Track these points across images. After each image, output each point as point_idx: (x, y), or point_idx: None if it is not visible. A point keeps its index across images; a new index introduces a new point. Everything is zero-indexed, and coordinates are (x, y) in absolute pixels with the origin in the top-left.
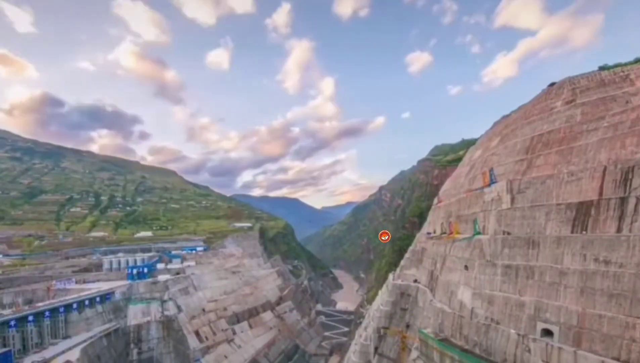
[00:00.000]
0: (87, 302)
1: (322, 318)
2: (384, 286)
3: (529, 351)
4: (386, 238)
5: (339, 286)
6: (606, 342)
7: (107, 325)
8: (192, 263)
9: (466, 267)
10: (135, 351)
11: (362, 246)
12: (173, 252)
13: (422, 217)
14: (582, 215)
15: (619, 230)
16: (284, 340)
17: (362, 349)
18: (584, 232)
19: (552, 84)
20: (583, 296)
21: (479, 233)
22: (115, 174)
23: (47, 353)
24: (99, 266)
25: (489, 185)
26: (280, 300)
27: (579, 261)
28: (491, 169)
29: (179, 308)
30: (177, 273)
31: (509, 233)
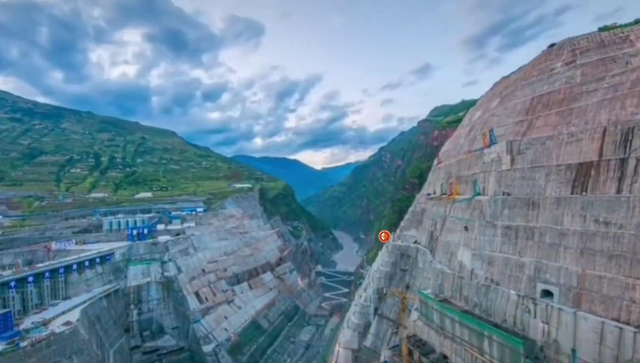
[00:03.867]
0: (87, 263)
1: (322, 279)
2: (384, 247)
3: (529, 312)
4: (385, 237)
5: (338, 247)
6: (606, 302)
7: (107, 286)
8: (192, 224)
9: (466, 228)
10: (135, 312)
11: (362, 207)
12: (173, 213)
13: (422, 178)
14: (582, 176)
15: (618, 191)
16: (284, 300)
17: (362, 310)
18: (583, 193)
19: (552, 45)
20: (583, 257)
21: (479, 194)
22: (115, 135)
23: (47, 314)
24: (98, 227)
25: (489, 146)
26: (280, 261)
27: (579, 222)
28: (491, 130)
29: (178, 269)
30: (177, 234)
31: (508, 194)
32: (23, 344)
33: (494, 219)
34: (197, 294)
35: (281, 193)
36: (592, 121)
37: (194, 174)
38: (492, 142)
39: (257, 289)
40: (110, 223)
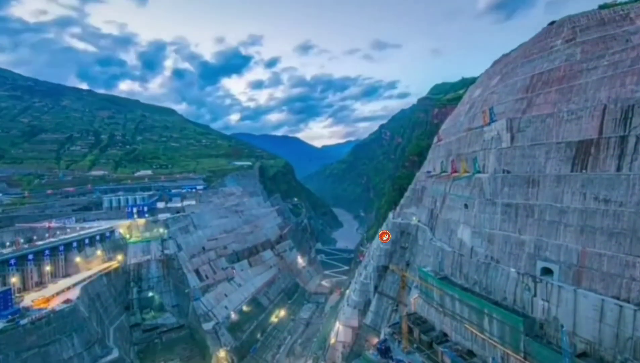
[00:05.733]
0: (87, 241)
1: (322, 256)
2: (384, 224)
3: (529, 290)
4: (386, 238)
5: (339, 224)
6: (606, 280)
7: (106, 264)
8: (192, 202)
9: (466, 206)
10: (135, 290)
11: (362, 184)
12: (173, 191)
13: (422, 156)
14: (582, 154)
15: (618, 168)
16: (284, 278)
17: (362, 288)
18: (583, 171)
19: (552, 23)
20: (583, 235)
21: (479, 172)
22: (115, 112)
23: (47, 292)
24: (98, 205)
25: (489, 124)
26: (280, 239)
27: (579, 199)
28: (491, 108)
29: (178, 246)
30: (177, 212)
31: (508, 172)
32: (23, 322)
33: (494, 197)
34: (197, 272)
35: (281, 170)
36: (592, 98)
37: (193, 152)
38: (492, 120)
39: (257, 267)
40: (110, 201)
